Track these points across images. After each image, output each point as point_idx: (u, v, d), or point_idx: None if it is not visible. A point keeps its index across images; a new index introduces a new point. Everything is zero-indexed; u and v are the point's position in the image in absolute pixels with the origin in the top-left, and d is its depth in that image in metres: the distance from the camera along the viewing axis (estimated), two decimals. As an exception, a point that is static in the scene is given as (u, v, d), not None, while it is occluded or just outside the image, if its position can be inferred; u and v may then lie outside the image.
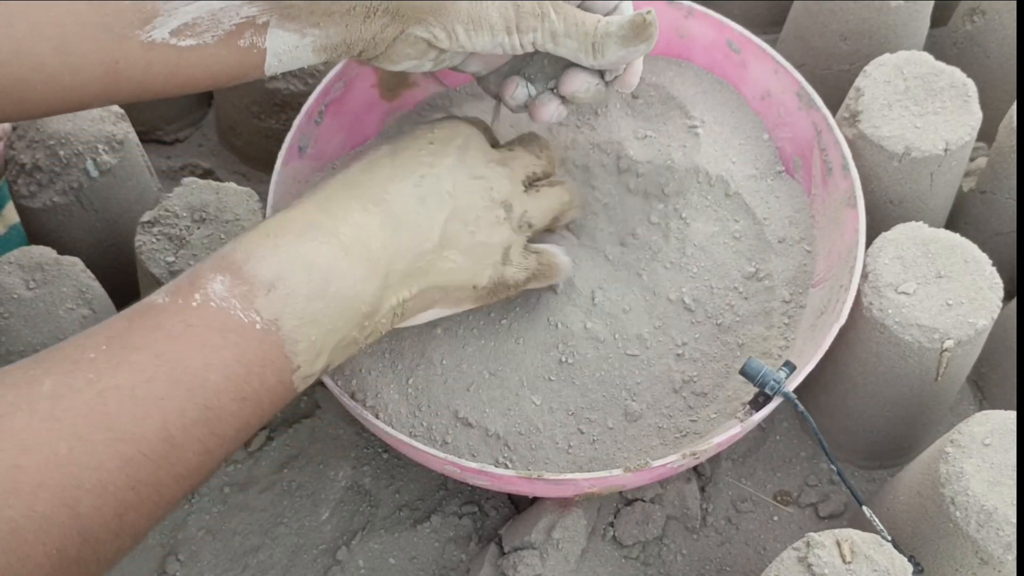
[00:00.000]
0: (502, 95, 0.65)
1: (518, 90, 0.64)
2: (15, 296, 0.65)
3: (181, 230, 0.68)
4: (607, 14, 0.62)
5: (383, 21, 0.58)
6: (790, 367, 0.63)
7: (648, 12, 0.60)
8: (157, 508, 0.47)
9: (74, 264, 0.68)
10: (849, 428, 0.73)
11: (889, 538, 0.60)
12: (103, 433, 0.45)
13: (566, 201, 0.67)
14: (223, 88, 0.60)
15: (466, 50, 0.60)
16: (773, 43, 0.84)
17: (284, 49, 0.57)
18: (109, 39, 0.53)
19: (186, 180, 0.71)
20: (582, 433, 0.67)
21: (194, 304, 0.49)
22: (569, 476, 0.60)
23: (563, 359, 0.68)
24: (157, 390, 0.46)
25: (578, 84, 0.62)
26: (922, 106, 0.72)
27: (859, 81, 0.74)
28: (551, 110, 0.64)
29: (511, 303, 0.69)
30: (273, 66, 0.58)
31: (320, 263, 0.52)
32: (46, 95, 0.54)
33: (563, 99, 0.64)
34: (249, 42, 0.56)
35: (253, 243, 0.52)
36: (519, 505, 0.73)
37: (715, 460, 0.75)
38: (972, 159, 0.87)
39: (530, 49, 0.60)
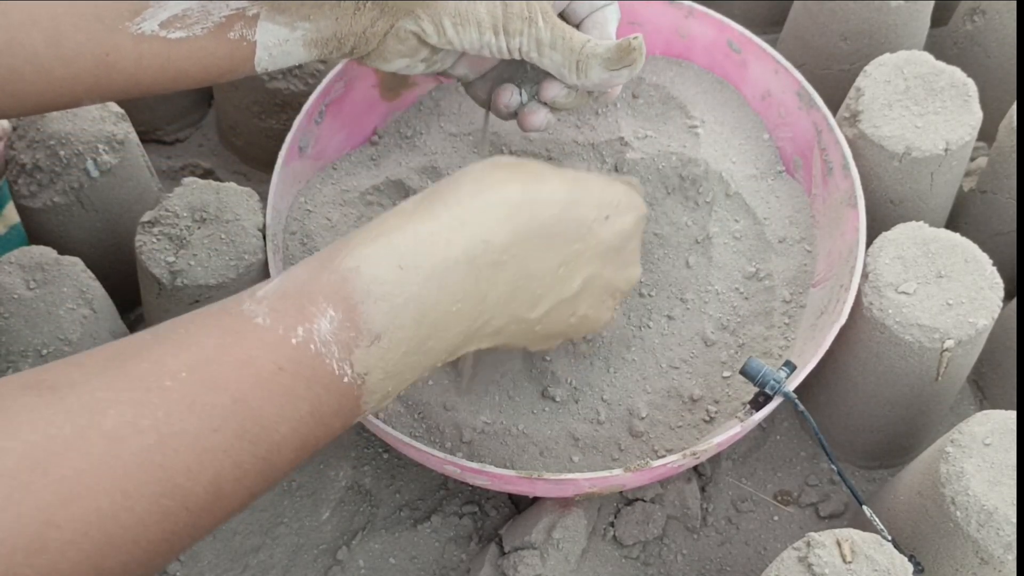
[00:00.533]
0: (495, 102, 0.64)
1: (512, 97, 0.64)
2: (15, 296, 0.65)
3: (181, 230, 0.68)
4: (590, 14, 0.62)
5: (372, 15, 0.58)
6: (790, 367, 0.63)
7: (635, 37, 0.60)
8: (184, 550, 0.45)
9: (74, 264, 0.68)
10: (849, 428, 0.73)
11: (889, 538, 0.60)
12: (152, 487, 0.42)
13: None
14: (217, 84, 0.59)
15: (454, 47, 0.59)
16: (773, 43, 0.84)
17: (274, 43, 0.57)
18: (101, 30, 0.53)
19: (186, 180, 0.71)
20: (579, 438, 0.67)
21: (294, 341, 0.45)
22: (569, 476, 0.60)
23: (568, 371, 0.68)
24: (222, 441, 0.43)
25: (556, 90, 0.62)
26: (922, 106, 0.72)
27: (859, 81, 0.74)
28: (540, 118, 0.63)
29: None
30: (263, 60, 0.58)
31: (439, 311, 0.49)
32: (39, 87, 0.54)
33: (550, 107, 0.64)
34: (239, 35, 0.56)
35: (380, 274, 0.47)
36: (519, 505, 0.73)
37: (715, 460, 0.75)
38: (972, 159, 0.87)
39: (516, 56, 0.60)
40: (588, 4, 0.62)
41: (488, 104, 0.67)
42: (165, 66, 0.56)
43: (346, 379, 0.46)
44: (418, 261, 0.48)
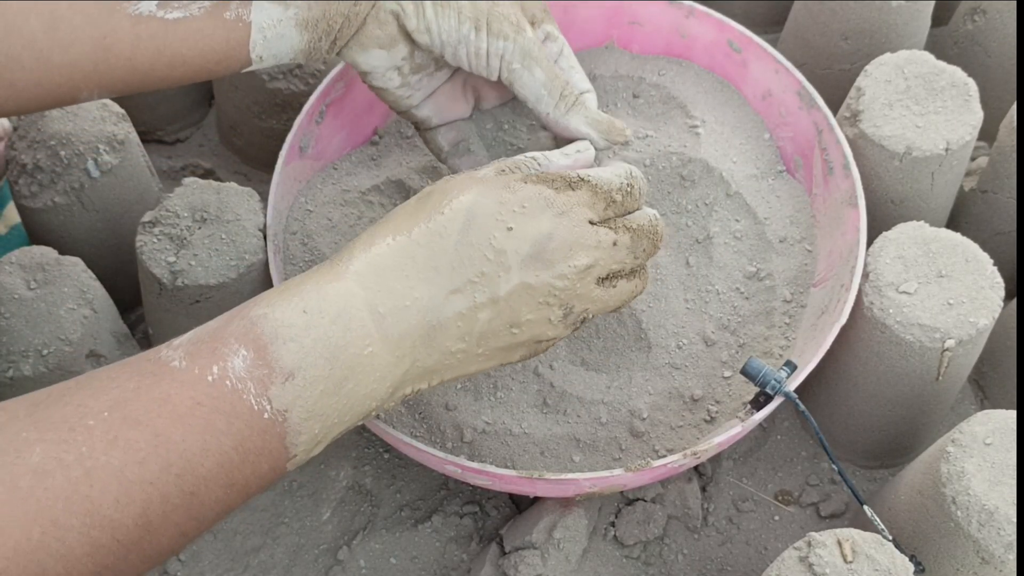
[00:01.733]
0: (447, 137, 0.66)
1: (462, 145, 0.65)
2: (16, 296, 0.65)
3: (182, 230, 0.68)
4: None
5: None
6: (791, 367, 0.63)
7: (626, 127, 0.62)
8: None
9: (75, 264, 0.68)
10: (850, 427, 0.73)
11: (890, 537, 0.60)
12: (80, 519, 0.43)
13: (637, 293, 0.59)
14: (218, 84, 0.60)
15: (431, 36, 0.59)
16: (774, 43, 0.84)
17: (268, 23, 0.57)
18: (98, 12, 0.53)
19: (187, 180, 0.71)
20: (580, 439, 0.67)
21: (210, 379, 0.47)
22: (570, 476, 0.60)
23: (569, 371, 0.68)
24: (147, 474, 0.44)
25: (545, 143, 0.64)
26: (923, 105, 0.72)
27: (860, 80, 0.74)
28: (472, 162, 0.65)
29: None
30: (258, 44, 0.58)
31: (348, 353, 0.49)
32: (37, 75, 0.54)
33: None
34: (235, 15, 0.56)
35: (286, 317, 0.49)
36: (520, 505, 0.73)
37: (716, 460, 0.75)
38: (973, 158, 0.87)
39: (495, 64, 0.60)
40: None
41: (444, 157, 0.67)
42: (162, 49, 0.56)
43: (266, 415, 0.47)
44: (322, 307, 0.49)
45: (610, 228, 0.55)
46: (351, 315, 0.50)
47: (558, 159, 0.56)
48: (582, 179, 0.55)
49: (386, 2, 0.59)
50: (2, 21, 0.51)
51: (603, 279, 0.56)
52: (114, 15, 0.54)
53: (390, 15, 0.59)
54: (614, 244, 0.55)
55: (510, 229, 0.52)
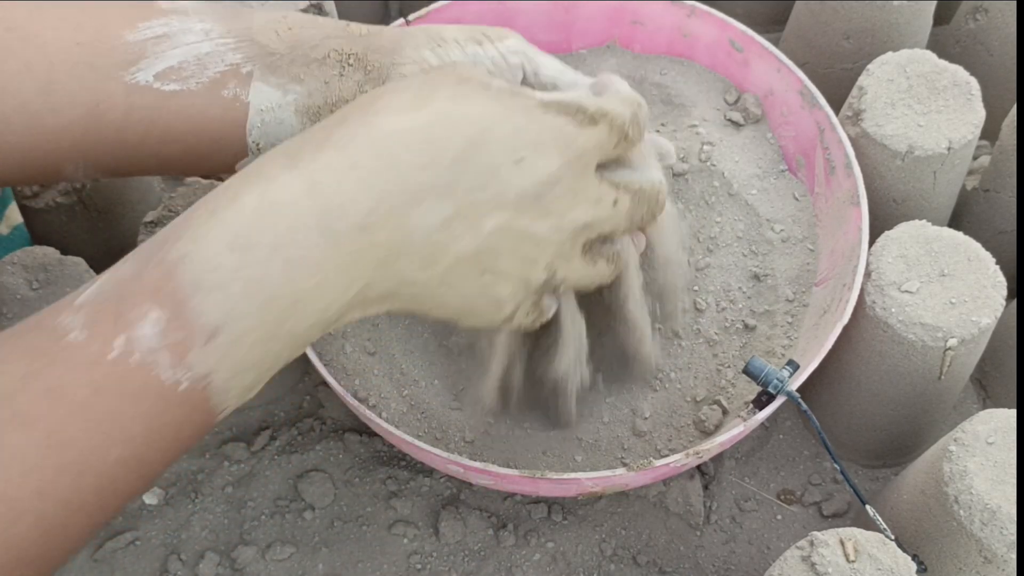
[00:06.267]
0: None
1: None
2: (18, 296, 0.65)
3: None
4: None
5: (358, 77, 0.56)
6: (793, 366, 0.63)
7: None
8: None
9: (77, 264, 0.68)
10: (852, 427, 0.73)
11: (892, 537, 0.60)
12: None
13: (607, 278, 0.56)
14: (208, 167, 0.57)
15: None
16: (775, 42, 0.84)
17: (267, 106, 0.55)
18: (94, 78, 0.52)
19: (189, 180, 0.71)
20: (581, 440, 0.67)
21: (111, 356, 0.41)
22: (572, 475, 0.60)
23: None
24: (37, 483, 0.40)
25: None
26: (925, 104, 0.72)
27: (862, 80, 0.74)
28: None
29: None
30: (255, 127, 0.55)
31: (288, 291, 0.43)
32: (26, 140, 0.52)
33: None
34: (232, 93, 0.54)
35: (211, 258, 0.42)
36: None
37: (719, 459, 0.75)
38: (975, 157, 0.86)
39: (513, 60, 0.57)
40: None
41: None
42: (155, 120, 0.54)
43: (183, 386, 0.42)
44: (256, 238, 0.42)
45: (613, 185, 0.52)
46: (296, 242, 0.43)
47: (571, 77, 0.56)
48: (604, 112, 0.50)
49: (390, 77, 0.57)
50: (3, 95, 0.51)
51: (588, 247, 0.53)
52: (110, 82, 0.53)
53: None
54: (614, 204, 0.52)
55: (518, 162, 0.47)
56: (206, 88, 0.54)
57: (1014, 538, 0.56)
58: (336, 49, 0.56)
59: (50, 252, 0.68)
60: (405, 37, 0.57)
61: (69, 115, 0.52)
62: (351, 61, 0.56)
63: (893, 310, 0.65)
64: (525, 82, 0.58)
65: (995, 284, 0.66)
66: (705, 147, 0.74)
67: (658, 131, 0.76)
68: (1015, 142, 0.75)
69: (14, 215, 0.82)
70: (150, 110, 0.53)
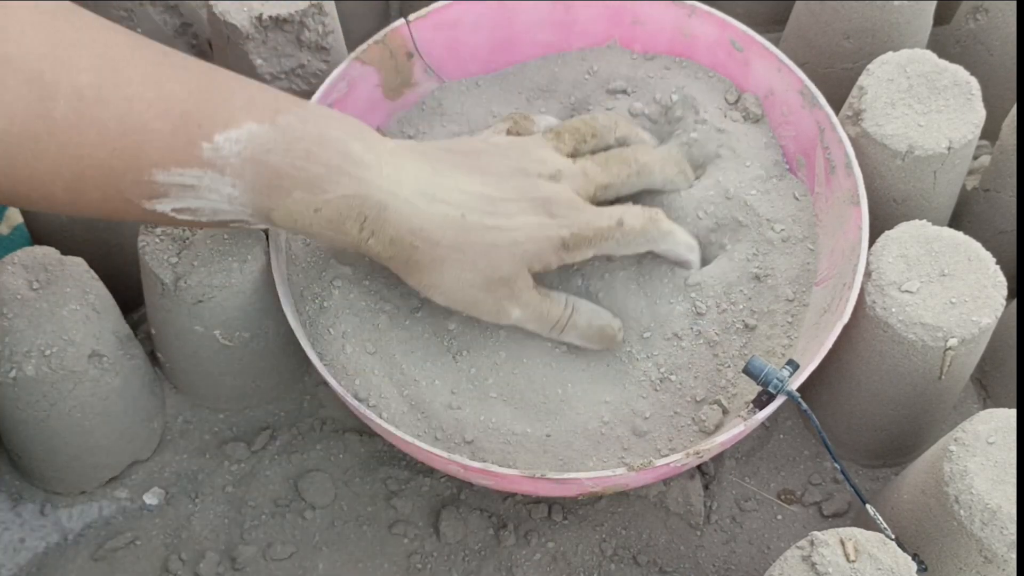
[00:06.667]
0: None
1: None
2: (19, 297, 0.65)
3: (184, 231, 0.68)
4: None
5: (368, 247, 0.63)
6: (793, 366, 0.63)
7: (620, 329, 0.69)
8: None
9: (78, 264, 0.68)
10: (852, 426, 0.73)
11: (893, 537, 0.60)
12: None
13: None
14: None
15: None
16: (776, 42, 0.84)
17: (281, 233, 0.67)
18: (117, 198, 0.55)
19: (189, 180, 0.71)
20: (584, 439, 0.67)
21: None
22: (573, 475, 0.60)
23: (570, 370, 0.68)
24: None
25: None
26: (925, 104, 0.72)
27: (862, 79, 0.74)
28: None
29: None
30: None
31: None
32: (46, 212, 0.61)
33: None
34: (237, 227, 0.61)
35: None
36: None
37: (719, 459, 0.75)
38: (976, 157, 0.86)
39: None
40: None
41: None
42: (165, 225, 0.64)
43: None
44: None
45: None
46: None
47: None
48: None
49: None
50: (28, 172, 0.53)
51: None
52: (129, 204, 0.56)
53: None
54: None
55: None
56: (215, 224, 0.59)
57: (1014, 538, 0.56)
58: (342, 248, 0.67)
59: (50, 252, 0.68)
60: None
61: (87, 213, 0.57)
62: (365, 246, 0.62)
63: (893, 310, 0.65)
64: None
65: (995, 284, 0.66)
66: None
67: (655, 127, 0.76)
68: (1015, 142, 0.75)
69: (14, 215, 0.82)
70: (159, 222, 0.59)
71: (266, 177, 0.57)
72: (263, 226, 0.60)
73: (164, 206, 0.56)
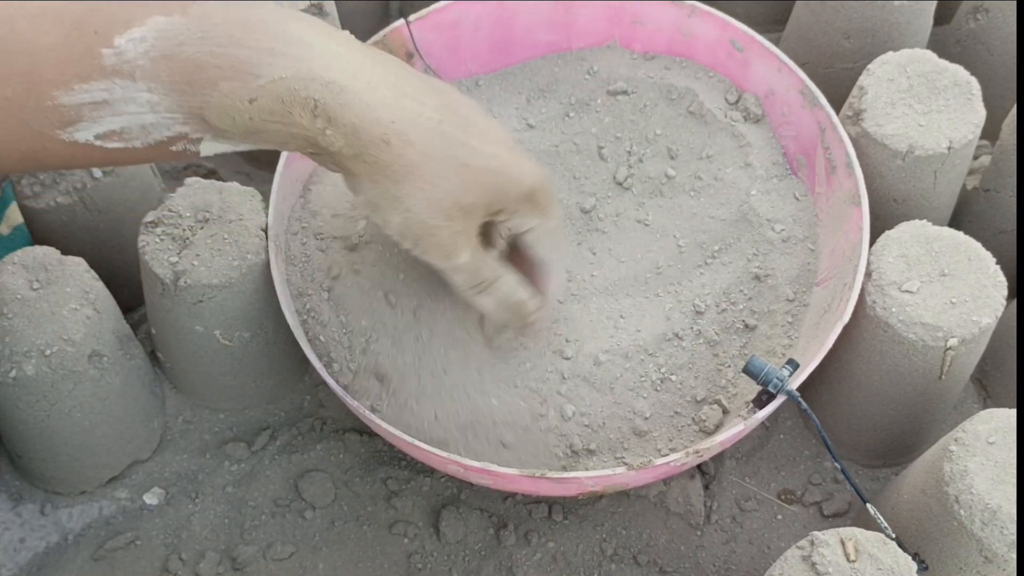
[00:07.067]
0: None
1: None
2: (19, 296, 0.65)
3: (184, 230, 0.68)
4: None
5: (311, 153, 0.56)
6: (793, 365, 0.63)
7: (537, 309, 0.64)
8: None
9: (78, 264, 0.68)
10: (853, 426, 0.73)
11: (893, 536, 0.60)
12: None
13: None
14: None
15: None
16: (776, 41, 0.84)
17: (218, 152, 0.54)
18: (27, 133, 0.50)
19: (189, 180, 0.71)
20: (582, 435, 0.67)
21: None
22: (573, 475, 0.60)
23: (565, 372, 0.68)
24: None
25: None
26: (926, 104, 0.72)
27: (862, 79, 0.74)
28: None
29: None
30: (208, 156, 0.56)
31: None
32: None
33: None
34: (182, 148, 0.53)
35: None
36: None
37: (719, 458, 0.75)
38: (976, 157, 0.86)
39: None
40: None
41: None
42: (98, 162, 0.54)
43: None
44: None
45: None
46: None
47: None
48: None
49: (332, 166, 0.57)
50: None
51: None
52: (44, 139, 0.51)
53: (334, 171, 0.58)
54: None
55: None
56: (152, 147, 0.53)
57: (1014, 538, 0.56)
58: (299, 145, 0.55)
59: (50, 252, 0.68)
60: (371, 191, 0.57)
61: (5, 158, 0.51)
62: (312, 152, 0.55)
63: (894, 310, 0.65)
64: None
65: (995, 284, 0.66)
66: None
67: (661, 131, 0.76)
68: (1015, 142, 0.75)
69: (15, 215, 0.82)
70: (94, 159, 0.53)
71: (184, 72, 0.50)
72: (206, 136, 0.53)
73: (84, 133, 0.50)
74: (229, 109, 0.51)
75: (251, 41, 0.51)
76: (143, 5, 0.50)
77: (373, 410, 0.65)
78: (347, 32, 0.56)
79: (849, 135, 0.71)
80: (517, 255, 0.64)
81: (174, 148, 0.53)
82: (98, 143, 0.51)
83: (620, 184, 0.75)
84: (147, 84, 0.50)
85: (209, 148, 0.54)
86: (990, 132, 0.84)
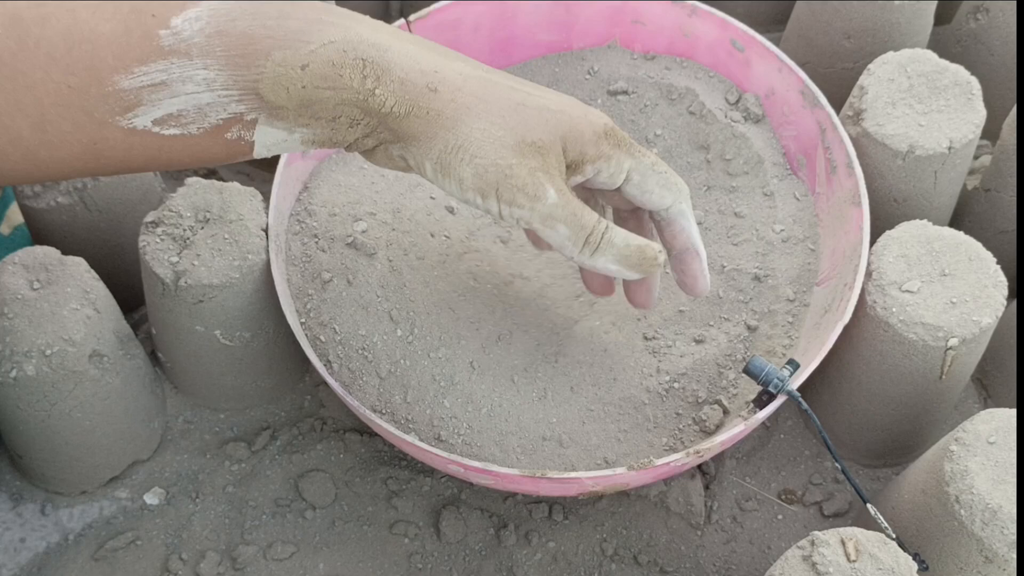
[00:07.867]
0: None
1: None
2: (19, 296, 0.65)
3: (185, 230, 0.68)
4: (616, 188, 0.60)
5: (365, 131, 0.56)
6: (794, 365, 0.63)
7: (661, 251, 0.60)
8: None
9: (78, 264, 0.68)
10: (853, 426, 0.73)
11: (894, 536, 0.60)
12: None
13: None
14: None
15: (440, 189, 0.58)
16: (776, 41, 0.84)
17: (272, 142, 0.56)
18: (88, 122, 0.52)
19: (190, 180, 0.71)
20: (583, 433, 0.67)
21: None
22: (573, 475, 0.60)
23: (568, 370, 0.68)
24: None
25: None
26: (926, 104, 0.72)
27: (863, 79, 0.74)
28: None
29: (526, 302, 0.69)
30: (262, 153, 0.56)
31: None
32: (24, 167, 0.53)
33: None
34: (236, 135, 0.54)
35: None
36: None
37: (719, 458, 0.75)
38: (976, 157, 0.86)
39: (511, 223, 0.58)
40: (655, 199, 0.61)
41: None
42: (157, 156, 0.54)
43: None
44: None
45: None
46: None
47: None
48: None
49: (393, 147, 0.57)
50: None
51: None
52: (105, 127, 0.52)
53: (398, 156, 0.58)
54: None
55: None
56: (208, 133, 0.54)
57: (1015, 538, 0.56)
58: (351, 117, 0.55)
59: (51, 252, 0.68)
60: (433, 130, 0.56)
61: (67, 151, 0.52)
62: (362, 123, 0.56)
63: (894, 310, 0.65)
64: None
65: (996, 284, 0.66)
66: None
67: (662, 131, 0.76)
68: (1016, 142, 0.75)
69: (15, 215, 0.82)
70: (152, 149, 0.54)
71: (239, 46, 0.52)
72: (260, 115, 0.54)
73: (142, 119, 0.52)
74: (283, 78, 0.53)
75: (300, 13, 0.53)
76: None
77: (373, 410, 0.65)
78: None
79: (849, 135, 0.71)
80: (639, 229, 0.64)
81: (229, 135, 0.54)
82: (156, 129, 0.52)
83: None
84: (203, 61, 0.51)
85: (263, 136, 0.55)
86: (990, 132, 0.84)
